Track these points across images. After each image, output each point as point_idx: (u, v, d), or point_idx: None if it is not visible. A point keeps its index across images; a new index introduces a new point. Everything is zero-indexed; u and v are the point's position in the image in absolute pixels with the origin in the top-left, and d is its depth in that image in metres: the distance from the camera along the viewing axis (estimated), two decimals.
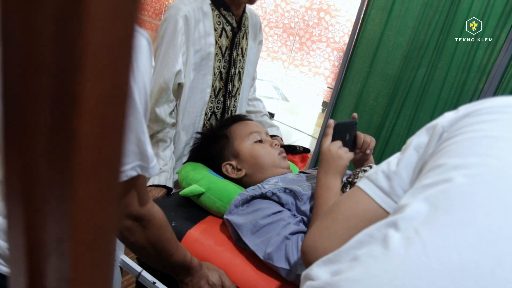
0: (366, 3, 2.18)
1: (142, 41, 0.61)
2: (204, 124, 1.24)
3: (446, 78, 2.03)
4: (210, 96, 1.21)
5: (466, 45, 1.96)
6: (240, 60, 1.24)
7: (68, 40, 0.17)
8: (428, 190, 0.45)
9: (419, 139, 0.56)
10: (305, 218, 0.98)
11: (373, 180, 0.59)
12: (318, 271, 0.48)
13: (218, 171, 1.17)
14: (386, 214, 0.56)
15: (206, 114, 1.22)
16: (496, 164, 0.43)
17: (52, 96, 0.18)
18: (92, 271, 0.21)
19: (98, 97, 0.17)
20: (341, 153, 0.96)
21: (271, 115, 4.41)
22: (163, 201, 1.14)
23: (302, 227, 0.93)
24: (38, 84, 0.18)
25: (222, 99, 1.23)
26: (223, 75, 1.20)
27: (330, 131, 1.01)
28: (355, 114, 1.10)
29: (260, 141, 1.17)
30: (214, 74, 1.18)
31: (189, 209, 1.11)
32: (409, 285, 0.39)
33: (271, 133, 1.58)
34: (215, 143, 1.18)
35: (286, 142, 3.94)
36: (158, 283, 0.98)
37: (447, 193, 0.43)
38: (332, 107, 2.39)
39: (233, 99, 1.28)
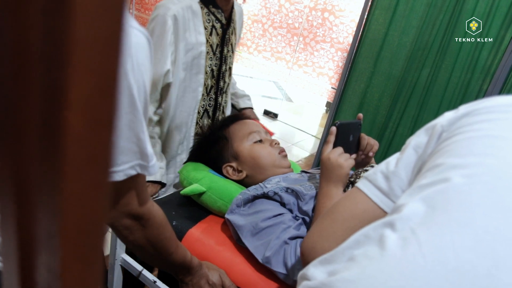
0: (370, 3, 2.18)
1: (142, 39, 0.61)
2: (197, 122, 1.22)
3: (450, 79, 2.02)
4: (203, 95, 1.20)
5: (470, 46, 1.95)
6: (230, 56, 1.23)
7: (56, 34, 0.17)
8: (425, 190, 0.44)
9: (418, 139, 0.55)
10: (306, 218, 0.97)
11: (372, 181, 0.58)
12: (315, 271, 0.47)
13: (219, 171, 1.17)
14: (385, 214, 0.56)
15: (199, 112, 1.21)
16: (495, 164, 0.42)
17: (42, 90, 0.18)
18: (81, 266, 0.21)
19: (87, 91, 0.17)
20: (340, 162, 0.95)
21: (275, 115, 4.41)
22: (164, 200, 1.14)
23: (302, 231, 0.93)
24: (28, 79, 0.18)
25: (214, 96, 1.22)
26: (215, 73, 1.19)
27: (332, 139, 1.00)
28: (360, 115, 1.09)
29: (260, 141, 1.16)
30: (206, 73, 1.17)
31: (190, 208, 1.11)
32: (404, 286, 0.38)
33: (243, 106, 1.54)
34: (214, 145, 1.18)
35: (289, 143, 3.91)
36: (158, 282, 0.98)
37: (444, 194, 0.42)
38: (335, 108, 2.38)
39: (224, 95, 1.27)
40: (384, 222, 0.45)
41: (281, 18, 4.40)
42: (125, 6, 0.17)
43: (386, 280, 0.39)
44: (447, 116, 0.53)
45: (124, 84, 0.58)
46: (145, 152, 0.64)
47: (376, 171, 0.58)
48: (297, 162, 3.50)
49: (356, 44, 2.25)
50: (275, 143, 1.18)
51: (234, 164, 1.15)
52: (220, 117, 1.28)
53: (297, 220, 0.97)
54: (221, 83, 1.22)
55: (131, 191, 0.66)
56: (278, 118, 4.42)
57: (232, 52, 1.25)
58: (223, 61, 1.20)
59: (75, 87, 0.17)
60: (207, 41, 1.14)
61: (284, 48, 4.47)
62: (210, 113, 1.24)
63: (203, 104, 1.20)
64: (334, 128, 1.00)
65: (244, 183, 1.15)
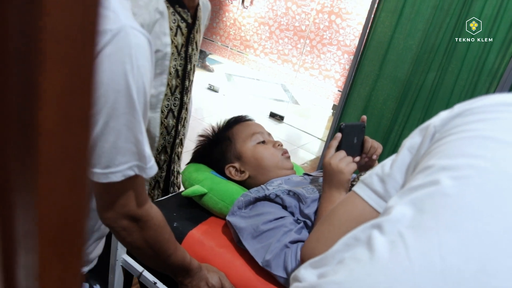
0: (376, 6, 2.17)
1: (142, 40, 0.61)
2: (161, 122, 1.17)
3: (456, 82, 2.01)
4: (166, 94, 1.15)
5: (477, 48, 1.93)
6: (195, 54, 1.20)
7: (30, 30, 0.16)
8: (415, 192, 0.44)
9: (412, 140, 0.55)
10: (308, 222, 0.97)
11: (368, 184, 0.58)
12: (305, 273, 0.47)
13: (221, 172, 1.16)
14: None
15: (162, 111, 1.16)
16: (486, 166, 0.42)
17: (16, 88, 0.18)
18: (60, 266, 0.21)
19: (61, 87, 0.17)
20: (341, 167, 0.94)
21: (281, 118, 4.40)
22: (165, 201, 1.14)
23: (303, 235, 0.92)
24: (3, 75, 0.18)
25: (179, 96, 1.17)
26: (180, 73, 1.15)
27: (335, 143, 0.99)
28: (364, 117, 1.09)
29: (263, 142, 1.16)
30: (170, 74, 1.13)
31: (191, 209, 1.11)
32: None
33: None
34: (217, 146, 1.18)
35: (295, 145, 3.90)
36: (159, 283, 0.98)
37: (433, 197, 0.42)
38: (340, 110, 2.37)
39: (189, 93, 1.24)
40: (372, 224, 0.45)
41: (287, 20, 4.39)
42: (99, 2, 0.17)
43: (372, 283, 0.39)
44: (442, 115, 0.53)
45: (123, 85, 0.58)
46: (143, 153, 0.64)
47: (372, 174, 0.58)
48: (302, 164, 3.49)
49: (362, 47, 2.24)
50: (278, 145, 1.18)
51: (236, 165, 1.15)
52: (184, 115, 1.24)
53: (299, 223, 0.96)
54: (186, 82, 1.18)
55: (129, 192, 0.66)
56: (284, 120, 4.41)
57: (197, 49, 1.21)
58: (188, 60, 1.16)
59: (48, 83, 0.17)
60: (172, 42, 1.09)
61: (291, 50, 4.47)
62: (175, 113, 1.20)
63: (167, 104, 1.16)
64: (339, 134, 1.00)
65: (246, 184, 1.15)
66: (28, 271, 0.21)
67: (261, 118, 4.31)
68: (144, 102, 0.63)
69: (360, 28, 3.95)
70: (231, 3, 4.55)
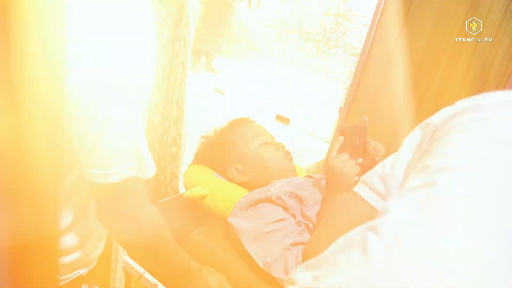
0: (381, 7, 2.16)
1: (143, 41, 0.61)
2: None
3: (463, 85, 1.99)
4: (152, 91, 1.14)
5: (483, 51, 1.91)
6: (183, 50, 1.17)
7: None
8: (411, 193, 0.43)
9: (413, 138, 0.54)
10: (310, 224, 0.96)
11: (369, 184, 0.57)
12: (300, 275, 0.47)
13: (223, 174, 1.16)
14: None
15: (149, 109, 1.15)
16: (483, 167, 0.41)
17: None
18: (36, 269, 0.20)
19: None
20: (344, 170, 0.93)
21: (287, 120, 4.39)
22: (167, 202, 1.14)
23: (304, 237, 0.92)
24: None
25: (164, 91, 1.15)
26: (166, 68, 1.12)
27: (336, 146, 0.98)
28: (365, 118, 1.08)
29: (265, 143, 1.16)
30: (156, 69, 1.12)
31: (192, 211, 1.11)
32: None
33: None
34: (219, 147, 1.18)
35: (301, 148, 3.89)
36: (160, 285, 0.97)
37: (429, 198, 0.41)
38: (345, 113, 2.36)
39: (177, 90, 1.22)
40: (368, 226, 0.44)
41: (294, 22, 4.39)
42: None
43: (366, 287, 0.38)
44: (443, 112, 0.52)
45: (122, 86, 0.59)
46: (142, 154, 0.64)
47: (372, 174, 0.57)
48: (308, 167, 3.47)
49: (368, 49, 2.22)
50: (281, 146, 1.18)
51: (238, 166, 1.14)
52: (176, 114, 1.21)
53: (300, 225, 0.96)
54: (172, 78, 1.16)
55: (128, 193, 0.66)
56: (290, 122, 4.41)
57: (185, 46, 1.18)
58: (175, 56, 1.13)
59: None
60: (158, 36, 1.09)
61: (297, 52, 4.46)
62: (161, 109, 1.17)
63: (152, 99, 1.14)
64: (341, 138, 0.99)
65: (248, 186, 1.15)
66: (4, 276, 0.21)
67: (267, 120, 4.31)
68: (143, 103, 0.63)
69: (366, 30, 3.92)
70: (238, 5, 4.57)
